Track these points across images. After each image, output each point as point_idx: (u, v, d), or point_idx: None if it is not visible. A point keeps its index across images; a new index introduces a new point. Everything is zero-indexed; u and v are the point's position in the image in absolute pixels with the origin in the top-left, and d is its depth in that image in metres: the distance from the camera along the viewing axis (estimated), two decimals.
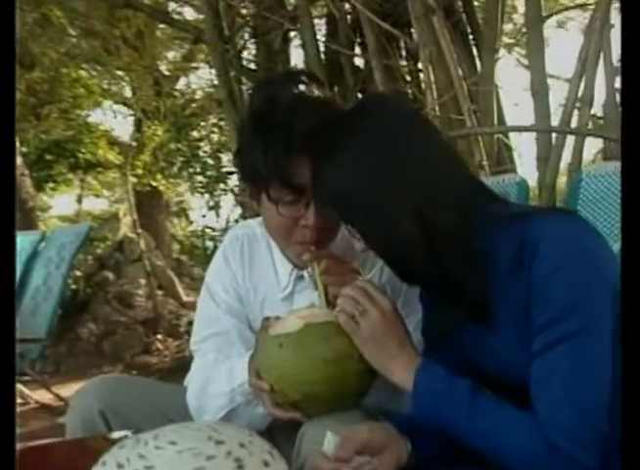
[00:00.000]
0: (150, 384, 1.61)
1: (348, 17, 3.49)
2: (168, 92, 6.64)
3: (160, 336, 5.82)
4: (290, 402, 1.07)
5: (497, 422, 0.91)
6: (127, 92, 7.75)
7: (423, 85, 2.78)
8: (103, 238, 7.54)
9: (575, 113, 2.21)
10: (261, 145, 1.11)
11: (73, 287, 5.99)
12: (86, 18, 5.12)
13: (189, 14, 5.98)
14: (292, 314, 1.12)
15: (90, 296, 6.11)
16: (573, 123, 2.25)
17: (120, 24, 5.20)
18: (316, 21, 3.56)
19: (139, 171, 7.05)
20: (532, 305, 0.91)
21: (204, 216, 4.95)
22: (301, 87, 1.21)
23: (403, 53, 3.73)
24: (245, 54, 3.92)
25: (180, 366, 5.01)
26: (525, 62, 7.51)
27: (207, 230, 4.89)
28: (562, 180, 2.51)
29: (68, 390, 3.97)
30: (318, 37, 3.24)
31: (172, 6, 5.85)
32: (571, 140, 2.29)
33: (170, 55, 7.74)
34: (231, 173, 4.67)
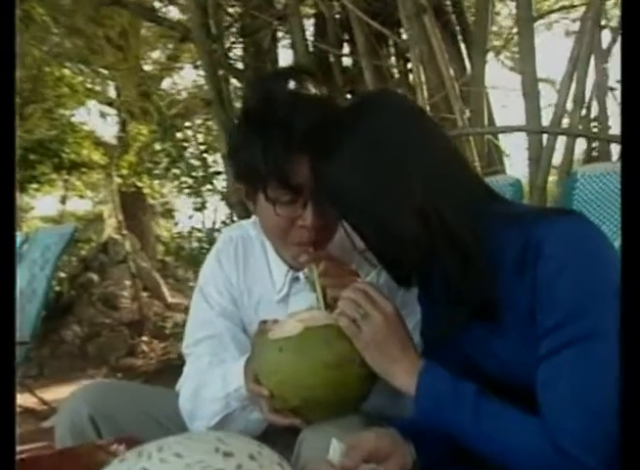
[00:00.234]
0: (140, 388, 1.58)
1: (337, 16, 3.47)
2: (153, 92, 6.58)
3: (145, 338, 5.77)
4: (289, 408, 1.05)
5: (504, 425, 0.89)
6: (112, 92, 7.68)
7: (414, 85, 2.77)
8: (87, 239, 7.47)
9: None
10: (260, 143, 1.09)
11: (57, 289, 5.91)
12: (70, 15, 5.05)
13: (174, 14, 5.94)
14: (290, 318, 1.09)
15: (74, 298, 6.04)
16: (564, 124, 2.25)
17: (105, 22, 5.14)
18: (304, 20, 3.53)
19: (124, 172, 6.98)
20: (538, 306, 0.90)
21: (190, 217, 4.89)
22: (297, 84, 1.18)
23: (393, 52, 3.72)
24: (232, 53, 3.89)
25: (166, 369, 4.97)
26: (510, 64, 7.59)
27: (194, 231, 4.84)
28: (551, 180, 2.51)
29: (51, 393, 3.91)
30: (307, 37, 3.22)
31: (157, 5, 5.79)
32: (561, 141, 2.29)
33: (155, 55, 7.68)
34: (218, 173, 4.62)
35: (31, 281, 3.50)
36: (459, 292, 0.96)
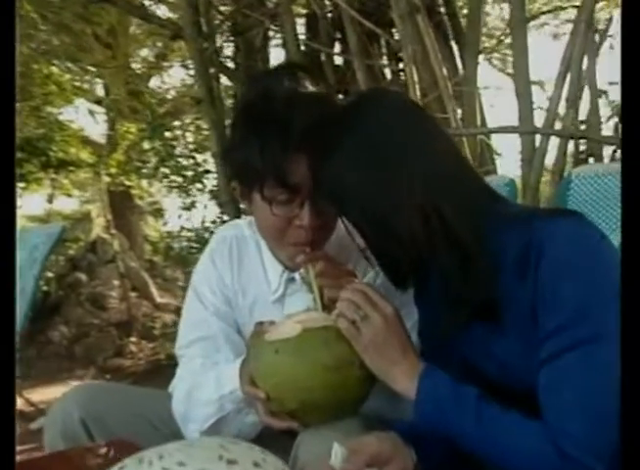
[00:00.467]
0: (130, 390, 1.55)
1: (329, 15, 3.46)
2: (142, 90, 6.54)
3: (133, 338, 5.72)
4: (286, 411, 1.03)
5: (505, 429, 0.88)
6: (100, 90, 7.62)
7: (406, 84, 2.76)
8: (75, 239, 7.39)
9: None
10: (257, 142, 1.07)
11: (45, 289, 5.84)
12: (58, 12, 5.00)
13: (163, 12, 5.89)
14: (288, 319, 1.07)
15: (62, 298, 5.98)
16: (557, 126, 2.25)
17: (93, 20, 5.09)
18: (296, 18, 3.52)
19: (112, 171, 6.92)
20: (540, 307, 0.88)
21: (179, 217, 4.86)
22: (294, 82, 1.16)
23: (385, 51, 3.71)
24: (223, 52, 3.87)
25: (154, 369, 4.93)
26: (499, 65, 7.62)
27: (183, 231, 4.81)
28: (543, 180, 2.51)
29: (38, 394, 3.86)
30: (298, 35, 3.20)
31: (146, 3, 5.75)
32: (553, 142, 2.29)
33: (143, 53, 7.62)
34: (207, 172, 4.59)
35: (19, 281, 3.45)
36: (459, 292, 0.95)
